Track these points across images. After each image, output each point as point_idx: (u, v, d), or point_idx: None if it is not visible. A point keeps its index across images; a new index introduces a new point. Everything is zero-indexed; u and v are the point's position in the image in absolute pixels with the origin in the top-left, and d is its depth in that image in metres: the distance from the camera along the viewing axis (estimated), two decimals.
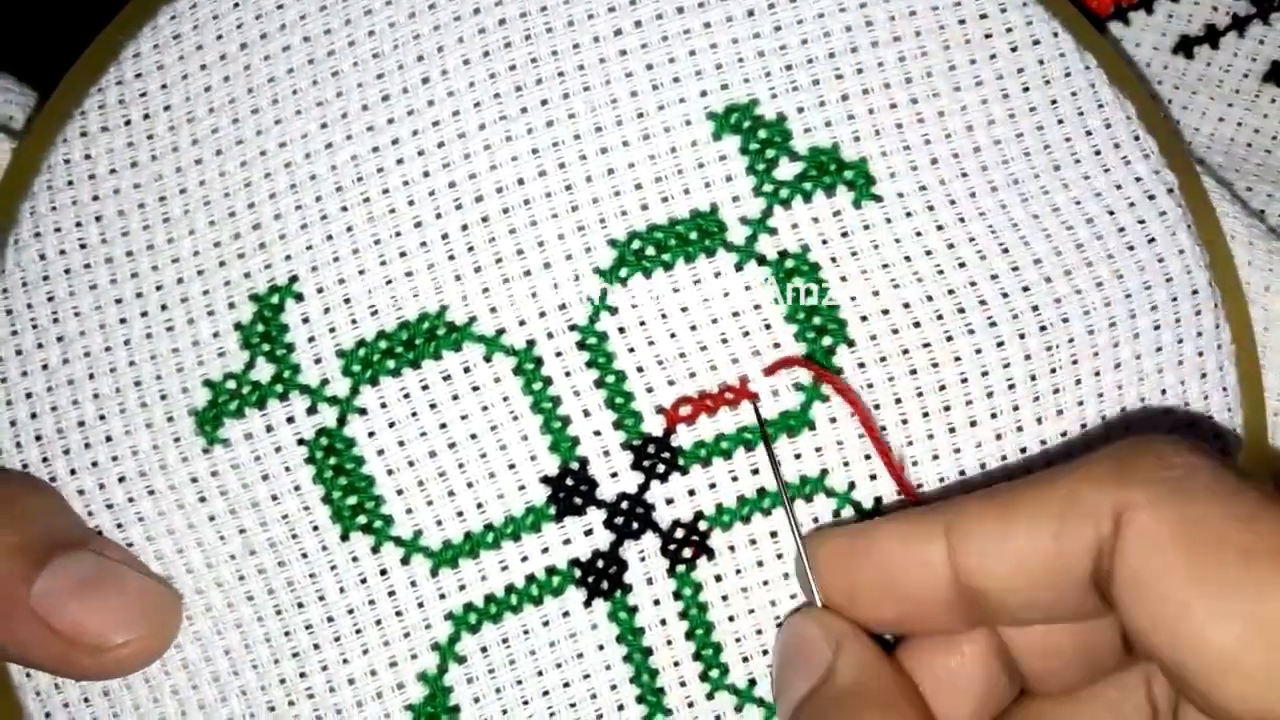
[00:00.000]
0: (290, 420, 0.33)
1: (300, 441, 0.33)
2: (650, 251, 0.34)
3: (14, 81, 0.37)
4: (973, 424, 0.33)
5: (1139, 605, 0.25)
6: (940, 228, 0.34)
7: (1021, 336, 0.33)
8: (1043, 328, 0.33)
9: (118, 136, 0.34)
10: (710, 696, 0.33)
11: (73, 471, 0.33)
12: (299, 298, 0.34)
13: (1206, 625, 0.24)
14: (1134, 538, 0.25)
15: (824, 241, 0.33)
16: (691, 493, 0.33)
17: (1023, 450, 0.33)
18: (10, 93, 0.37)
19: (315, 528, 0.33)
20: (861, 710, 0.28)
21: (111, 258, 0.34)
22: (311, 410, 0.33)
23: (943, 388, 0.33)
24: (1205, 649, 0.24)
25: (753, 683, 0.33)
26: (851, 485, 0.33)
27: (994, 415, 0.33)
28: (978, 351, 0.33)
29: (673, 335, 0.33)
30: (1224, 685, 0.24)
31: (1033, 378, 0.33)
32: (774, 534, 0.33)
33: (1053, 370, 0.33)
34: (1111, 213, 0.33)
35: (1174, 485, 0.25)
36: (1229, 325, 0.33)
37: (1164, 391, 0.33)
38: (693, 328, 0.33)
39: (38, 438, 0.33)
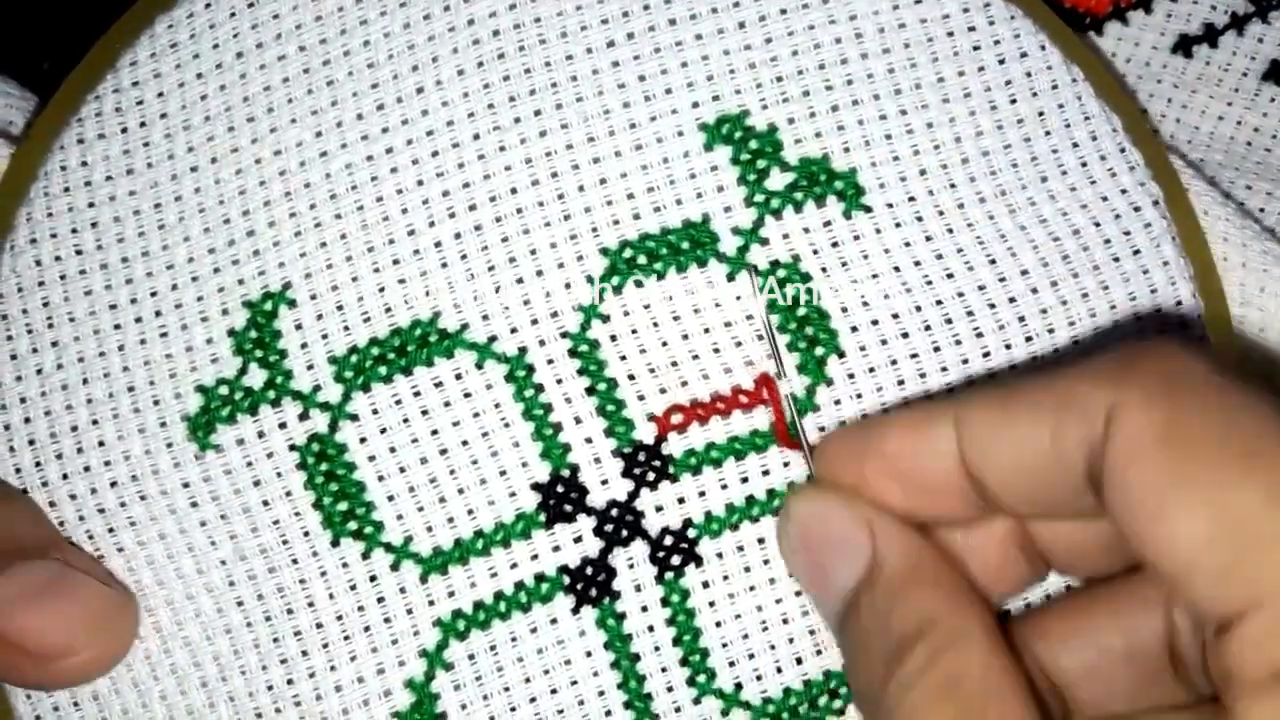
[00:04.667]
0: (282, 426, 0.33)
1: (292, 447, 0.33)
2: (642, 260, 0.34)
3: (14, 85, 0.37)
4: None
5: (1122, 505, 0.24)
6: (929, 238, 0.34)
7: (1008, 348, 0.33)
8: (1029, 339, 0.33)
9: (114, 144, 0.35)
10: (697, 701, 0.33)
11: (65, 476, 0.33)
12: (292, 304, 0.34)
13: (1174, 525, 0.24)
14: (1120, 437, 0.24)
15: (815, 251, 0.34)
16: (681, 500, 0.33)
17: None
18: (10, 96, 0.37)
19: (306, 533, 0.33)
20: (924, 598, 0.27)
21: (106, 264, 0.34)
22: (303, 416, 0.33)
23: (930, 399, 0.33)
24: (1173, 548, 0.24)
25: (739, 686, 0.33)
26: None
27: None
28: (964, 363, 0.33)
29: (664, 344, 0.34)
30: (1189, 583, 0.24)
31: None
32: (761, 540, 0.33)
33: None
34: (1098, 224, 0.34)
35: (1164, 385, 0.25)
36: (1212, 337, 0.33)
37: None
38: (684, 336, 0.34)
39: (30, 442, 0.33)
